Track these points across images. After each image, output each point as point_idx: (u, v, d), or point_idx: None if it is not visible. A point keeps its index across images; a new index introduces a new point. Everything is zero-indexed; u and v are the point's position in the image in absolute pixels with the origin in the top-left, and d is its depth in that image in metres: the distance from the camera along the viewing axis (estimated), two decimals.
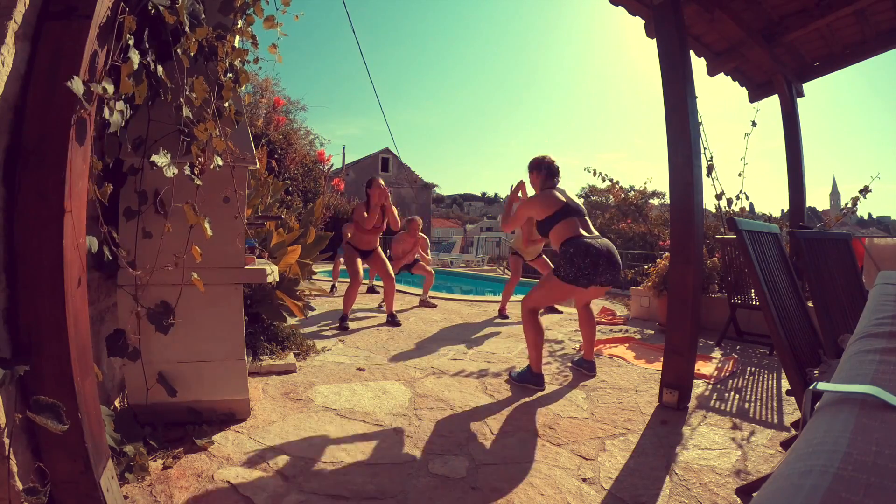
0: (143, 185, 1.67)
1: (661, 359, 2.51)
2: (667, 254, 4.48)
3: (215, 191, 1.83)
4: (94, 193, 1.36)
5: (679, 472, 1.74)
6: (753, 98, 4.63)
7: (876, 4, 3.29)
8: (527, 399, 2.49)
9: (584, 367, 2.94)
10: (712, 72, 4.04)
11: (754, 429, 2.13)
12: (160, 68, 1.49)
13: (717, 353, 3.50)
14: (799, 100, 4.46)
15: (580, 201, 2.86)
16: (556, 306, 5.25)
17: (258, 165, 2.31)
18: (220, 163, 1.70)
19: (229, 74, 1.77)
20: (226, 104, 1.77)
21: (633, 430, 2.12)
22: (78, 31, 1.13)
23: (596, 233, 2.70)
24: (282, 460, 1.73)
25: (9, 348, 1.07)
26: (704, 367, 3.06)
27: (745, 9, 3.33)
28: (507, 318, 4.79)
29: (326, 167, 9.34)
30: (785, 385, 2.45)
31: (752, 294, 3.61)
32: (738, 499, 1.55)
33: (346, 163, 24.67)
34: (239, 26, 1.82)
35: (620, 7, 3.10)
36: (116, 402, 1.95)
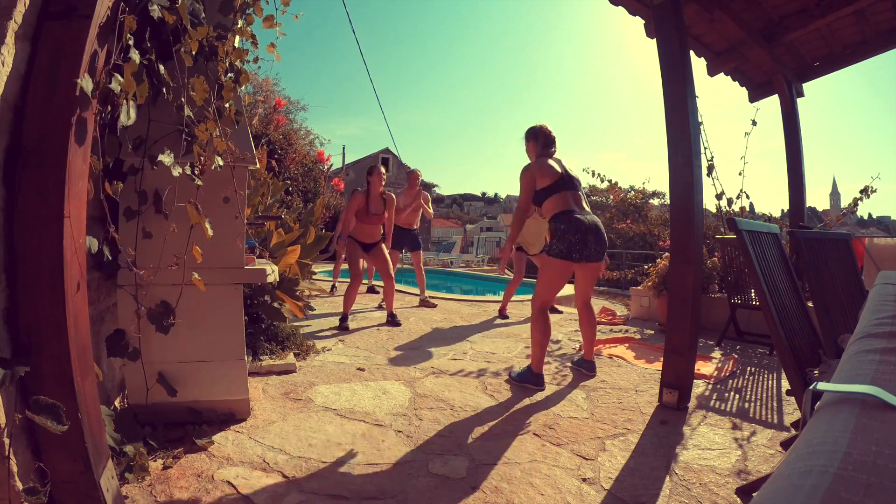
0: (143, 185, 1.67)
1: (661, 359, 2.52)
2: (667, 254, 4.48)
3: (215, 191, 1.83)
4: (103, 191, 1.36)
5: (679, 472, 1.74)
6: (753, 98, 4.64)
7: (876, 4, 3.30)
8: (527, 399, 2.49)
9: (584, 367, 2.94)
10: (712, 72, 4.04)
11: (754, 429, 2.13)
12: (162, 67, 1.49)
13: (717, 353, 3.50)
14: (799, 100, 4.47)
15: (580, 176, 2.87)
16: (556, 306, 5.25)
17: (258, 165, 2.31)
18: (221, 163, 1.70)
19: (229, 74, 1.77)
20: (226, 104, 1.77)
21: (633, 430, 2.12)
22: (78, 31, 1.13)
23: (588, 208, 2.78)
24: (282, 460, 1.73)
25: (9, 348, 1.07)
26: (704, 367, 3.07)
27: (745, 9, 3.34)
28: (507, 318, 4.79)
29: (326, 167, 9.32)
30: (785, 385, 2.45)
31: (752, 294, 3.61)
32: (738, 499, 1.55)
33: (346, 163, 24.66)
34: (239, 26, 1.82)
35: (620, 7, 3.10)
36: (116, 402, 1.95)
